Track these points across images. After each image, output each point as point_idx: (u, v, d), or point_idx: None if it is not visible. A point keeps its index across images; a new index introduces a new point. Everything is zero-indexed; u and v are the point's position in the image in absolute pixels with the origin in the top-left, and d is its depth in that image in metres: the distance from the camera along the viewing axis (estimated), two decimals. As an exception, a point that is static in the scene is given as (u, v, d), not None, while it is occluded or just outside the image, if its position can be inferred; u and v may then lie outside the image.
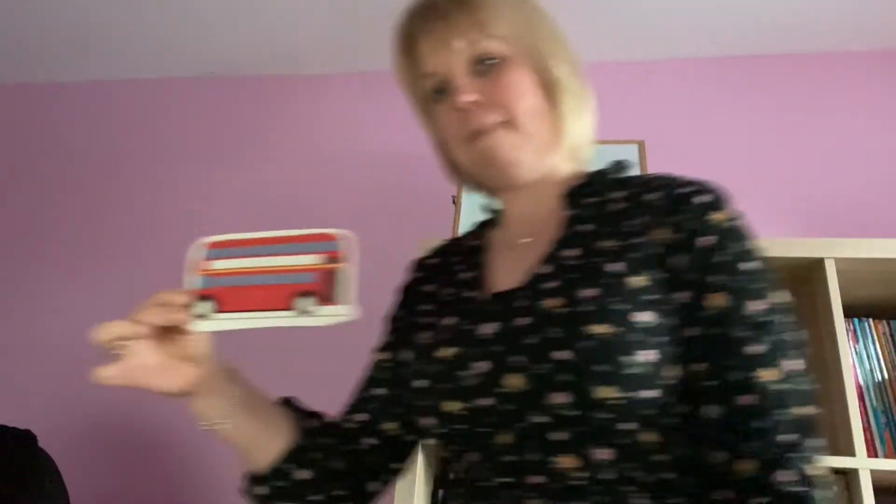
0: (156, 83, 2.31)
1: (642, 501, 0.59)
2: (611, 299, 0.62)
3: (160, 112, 2.27)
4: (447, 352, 0.69)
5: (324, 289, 0.62)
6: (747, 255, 0.66)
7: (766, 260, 0.67)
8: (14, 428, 1.48)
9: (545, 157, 0.77)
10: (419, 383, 0.71)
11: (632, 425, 0.60)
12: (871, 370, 1.35)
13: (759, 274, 0.65)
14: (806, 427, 0.59)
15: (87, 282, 2.05)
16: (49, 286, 2.06)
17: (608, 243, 0.68)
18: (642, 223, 0.68)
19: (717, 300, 0.63)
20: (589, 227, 0.71)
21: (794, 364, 0.61)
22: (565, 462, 0.61)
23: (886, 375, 1.34)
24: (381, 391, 0.84)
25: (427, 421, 0.71)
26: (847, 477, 1.22)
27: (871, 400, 1.32)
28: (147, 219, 2.12)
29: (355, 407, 0.86)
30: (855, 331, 1.38)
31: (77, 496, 1.55)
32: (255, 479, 0.79)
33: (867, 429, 1.29)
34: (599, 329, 0.60)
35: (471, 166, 0.79)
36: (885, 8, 1.86)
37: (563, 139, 0.78)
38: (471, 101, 0.73)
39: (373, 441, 0.82)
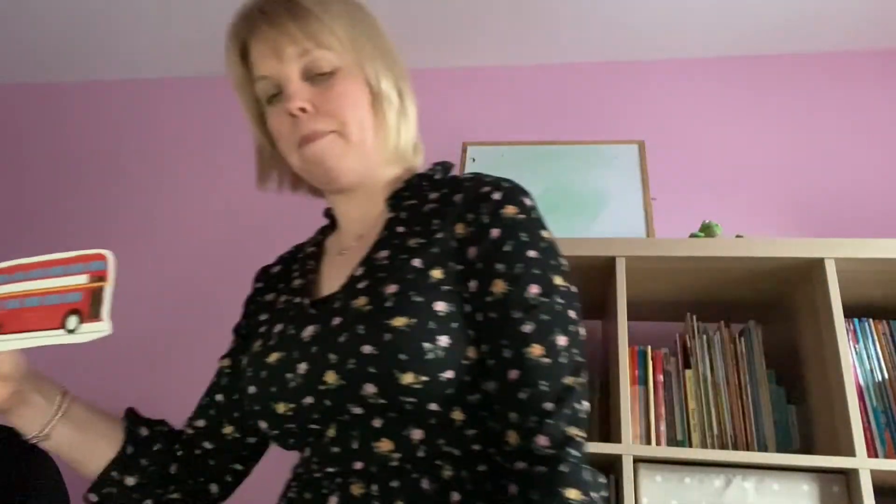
0: (155, 83, 2.31)
1: (454, 472, 0.65)
2: (410, 293, 0.67)
3: (160, 112, 2.27)
4: (273, 357, 0.74)
5: (87, 307, 0.65)
6: (531, 244, 0.71)
7: (555, 249, 0.74)
8: (14, 428, 1.47)
9: (370, 164, 0.80)
10: (252, 389, 0.75)
11: (435, 406, 0.66)
12: (871, 370, 1.35)
13: (541, 261, 0.70)
14: (566, 395, 0.64)
15: (87, 282, 2.05)
16: (49, 286, 2.06)
17: (414, 241, 0.73)
18: (444, 221, 0.73)
19: (499, 286, 0.68)
20: (402, 228, 0.77)
21: (562, 339, 0.66)
22: (382, 446, 0.66)
23: (886, 375, 1.34)
24: (219, 397, 0.90)
25: (262, 423, 0.75)
26: (847, 477, 1.22)
27: (871, 400, 1.32)
28: (147, 219, 2.12)
29: (196, 413, 0.91)
30: (855, 331, 1.38)
31: (77, 496, 1.55)
32: (90, 488, 0.83)
33: (867, 429, 1.28)
34: (398, 322, 0.65)
35: (300, 170, 0.82)
36: (885, 8, 1.86)
37: (388, 147, 0.82)
38: (301, 107, 0.76)
39: (211, 445, 0.87)
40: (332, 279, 0.79)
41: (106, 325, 0.65)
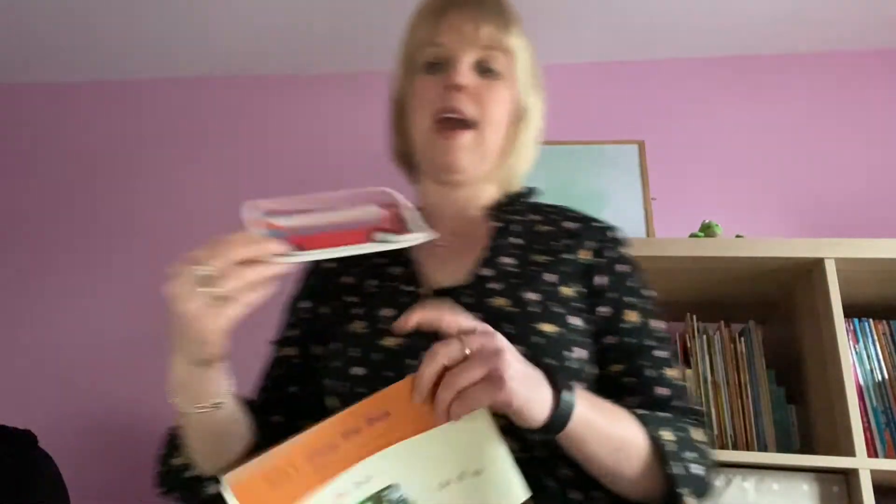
0: (156, 83, 2.31)
1: (567, 471, 0.68)
2: (550, 303, 0.74)
3: (160, 112, 2.27)
4: (390, 341, 0.73)
5: (392, 224, 0.67)
6: (646, 284, 0.83)
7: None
8: (14, 428, 1.48)
9: (485, 170, 0.85)
10: (357, 370, 0.73)
11: None
12: (871, 370, 1.35)
13: (652, 300, 0.83)
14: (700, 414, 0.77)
15: (87, 282, 2.05)
16: (49, 287, 2.06)
17: (541, 258, 0.80)
18: (567, 244, 0.81)
19: (632, 316, 0.79)
20: (519, 240, 0.82)
21: (677, 369, 0.80)
22: (508, 444, 0.65)
23: (886, 375, 1.34)
24: (294, 388, 0.86)
25: None
26: (847, 477, 1.22)
27: (871, 400, 1.32)
28: (147, 219, 2.12)
29: (271, 407, 0.85)
30: (855, 331, 1.38)
31: (77, 496, 1.55)
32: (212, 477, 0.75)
33: (867, 429, 1.29)
34: (547, 328, 0.71)
35: (423, 147, 0.85)
36: (885, 8, 1.86)
37: (511, 162, 0.87)
38: (464, 84, 0.80)
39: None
40: (440, 272, 0.81)
41: (426, 234, 0.67)
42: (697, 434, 0.72)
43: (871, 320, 1.39)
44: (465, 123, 0.81)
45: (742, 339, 1.42)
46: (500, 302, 0.73)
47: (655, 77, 2.04)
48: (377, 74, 2.20)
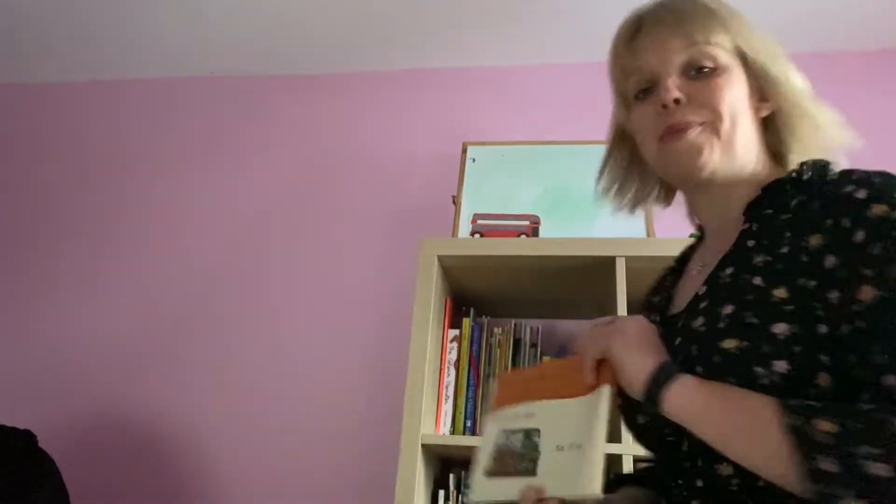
0: (156, 83, 2.31)
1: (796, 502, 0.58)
2: (745, 313, 0.64)
3: (161, 112, 2.27)
4: None
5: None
6: None
7: None
8: (14, 428, 1.48)
9: (734, 164, 0.76)
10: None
11: None
12: (872, 370, 1.35)
13: None
14: None
15: (87, 282, 2.05)
16: (49, 286, 2.06)
17: (760, 258, 0.68)
18: (795, 233, 0.67)
19: (867, 293, 0.59)
20: (752, 241, 0.71)
21: None
22: (723, 469, 0.65)
23: (886, 375, 1.33)
24: None
25: (630, 430, 0.80)
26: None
27: (871, 400, 1.32)
28: (147, 219, 2.12)
29: None
30: (855, 331, 1.38)
31: (77, 496, 1.55)
32: None
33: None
34: (728, 344, 0.63)
35: (657, 164, 0.80)
36: (884, 8, 1.86)
37: (775, 147, 0.79)
38: (675, 98, 0.75)
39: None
40: (683, 296, 0.79)
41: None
42: None
43: (871, 320, 1.39)
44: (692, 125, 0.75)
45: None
46: (697, 323, 0.69)
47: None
48: (378, 74, 2.20)
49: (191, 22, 2.05)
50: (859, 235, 0.61)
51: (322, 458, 1.74)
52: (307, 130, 2.16)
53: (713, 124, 0.74)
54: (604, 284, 1.43)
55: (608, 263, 1.38)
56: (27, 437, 1.47)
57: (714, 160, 0.74)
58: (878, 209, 0.62)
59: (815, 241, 0.64)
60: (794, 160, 0.78)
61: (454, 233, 1.59)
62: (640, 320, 0.71)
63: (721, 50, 0.76)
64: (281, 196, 2.08)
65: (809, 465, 0.54)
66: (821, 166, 0.75)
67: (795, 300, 0.62)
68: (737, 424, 0.60)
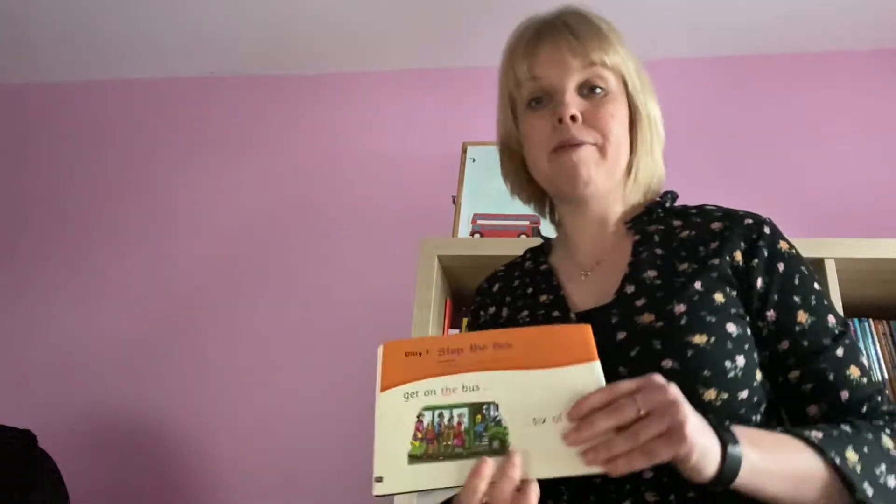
0: (156, 83, 2.31)
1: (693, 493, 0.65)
2: (701, 313, 0.71)
3: (160, 112, 2.27)
4: None
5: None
6: (810, 277, 0.78)
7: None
8: (14, 428, 1.48)
9: (615, 184, 0.84)
10: None
11: (731, 423, 0.65)
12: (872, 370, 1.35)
13: (821, 292, 0.77)
14: (887, 400, 0.72)
15: (87, 282, 2.05)
16: (49, 286, 2.06)
17: (684, 265, 0.77)
18: (715, 248, 0.77)
19: (801, 317, 0.74)
20: (660, 251, 0.79)
21: (864, 359, 0.74)
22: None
23: (886, 375, 1.34)
24: None
25: None
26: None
27: (871, 400, 1.32)
28: (147, 219, 2.12)
29: None
30: (855, 331, 1.38)
31: (77, 496, 1.55)
32: None
33: (867, 429, 1.28)
34: (698, 339, 0.69)
35: (546, 175, 0.85)
36: (884, 8, 1.86)
37: (636, 173, 0.86)
38: (572, 115, 0.80)
39: None
40: (583, 295, 0.82)
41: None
42: (889, 441, 0.67)
43: (871, 320, 1.39)
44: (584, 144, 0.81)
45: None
46: (647, 318, 0.72)
47: (655, 77, 2.03)
48: (377, 74, 2.20)
49: (191, 22, 2.05)
50: (780, 266, 0.76)
51: (322, 458, 1.74)
52: (307, 131, 2.16)
53: (602, 147, 0.81)
54: (604, 284, 1.43)
55: (608, 263, 1.38)
56: (27, 437, 1.47)
57: (599, 178, 0.81)
58: (784, 245, 0.79)
59: (737, 257, 0.76)
60: (634, 182, 0.87)
61: (454, 233, 1.59)
62: (677, 390, 0.61)
63: (611, 74, 0.84)
64: (281, 196, 2.08)
65: (857, 497, 0.61)
66: (675, 196, 0.90)
67: (732, 305, 0.73)
68: (795, 478, 0.62)
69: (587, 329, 0.64)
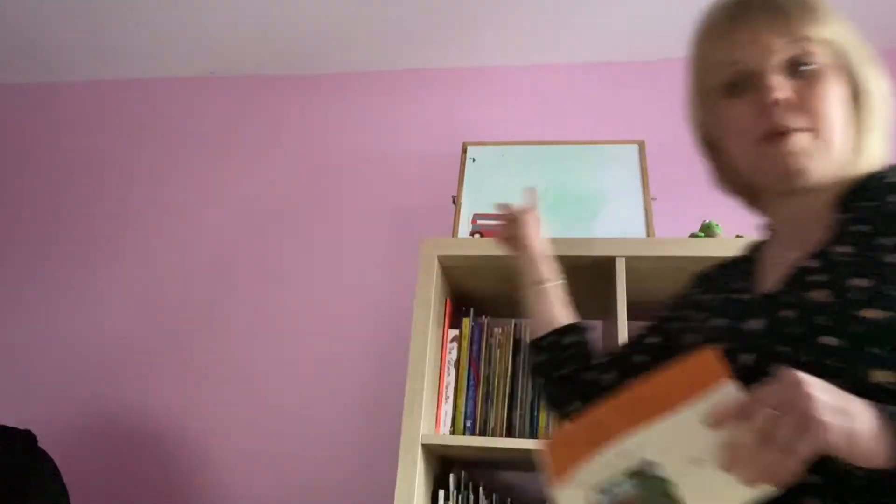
0: (156, 83, 2.31)
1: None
2: (886, 286, 0.61)
3: (161, 112, 2.27)
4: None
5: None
6: None
7: None
8: (14, 428, 1.48)
9: (833, 168, 0.74)
10: None
11: None
12: (872, 370, 1.35)
13: None
14: None
15: (86, 282, 2.05)
16: (49, 287, 2.06)
17: (883, 239, 0.66)
18: None
19: None
20: (864, 227, 0.70)
21: None
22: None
23: None
24: (641, 358, 0.93)
25: None
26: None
27: (871, 400, 1.32)
28: (147, 219, 2.12)
29: (612, 362, 0.96)
30: None
31: (77, 496, 1.55)
32: (541, 335, 1.01)
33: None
34: (872, 314, 0.60)
35: (752, 166, 0.77)
36: (884, 8, 1.86)
37: (859, 154, 0.76)
38: (783, 98, 0.71)
39: (609, 387, 0.91)
40: (773, 278, 0.75)
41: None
42: None
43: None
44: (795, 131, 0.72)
45: (743, 339, 1.42)
46: (818, 294, 0.64)
47: (655, 77, 2.04)
48: (378, 74, 2.20)
49: (191, 22, 2.05)
50: None
51: (322, 458, 1.74)
52: (307, 131, 2.16)
53: (817, 131, 0.72)
54: (604, 284, 1.43)
55: (608, 263, 1.38)
56: (27, 437, 1.47)
57: (817, 167, 0.72)
58: None
59: None
60: (862, 162, 0.77)
61: (454, 233, 1.59)
62: (807, 379, 0.54)
63: (822, 48, 0.73)
64: (281, 196, 2.08)
65: None
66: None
67: None
68: None
69: (710, 354, 0.60)
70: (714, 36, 0.78)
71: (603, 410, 0.65)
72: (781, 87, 0.71)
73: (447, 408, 1.43)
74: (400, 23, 2.01)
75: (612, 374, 0.94)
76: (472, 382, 1.45)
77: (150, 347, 1.94)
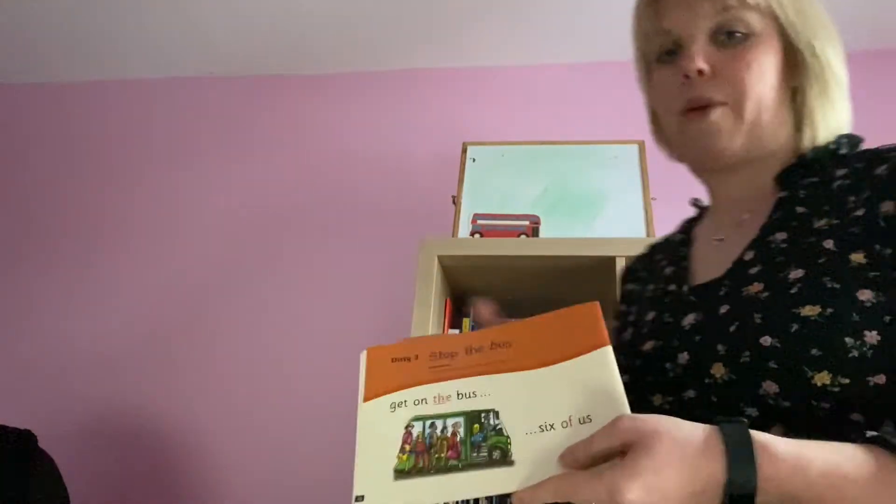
0: (156, 83, 2.31)
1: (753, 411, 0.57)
2: (823, 278, 0.57)
3: (160, 112, 2.27)
4: (648, 345, 0.68)
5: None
6: None
7: None
8: (14, 428, 1.48)
9: (762, 143, 0.70)
10: (623, 378, 0.64)
11: (859, 416, 0.54)
12: (872, 370, 1.35)
13: None
14: None
15: (87, 282, 2.05)
16: (49, 287, 2.06)
17: (822, 222, 0.62)
18: (864, 198, 0.61)
19: None
20: (803, 208, 0.65)
21: None
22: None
23: (886, 375, 1.33)
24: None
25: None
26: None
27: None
28: (146, 220, 2.12)
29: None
30: None
31: (77, 496, 1.55)
32: None
33: (867, 429, 1.28)
34: (808, 311, 0.55)
35: (675, 140, 0.75)
36: (884, 8, 1.86)
37: (811, 126, 0.71)
38: (699, 69, 0.67)
39: None
40: (708, 265, 0.71)
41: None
42: None
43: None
44: (714, 104, 0.68)
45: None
46: (753, 289, 0.60)
47: (655, 77, 2.04)
48: (378, 74, 2.20)
49: (191, 22, 2.05)
50: None
51: (321, 459, 1.74)
52: (307, 131, 2.16)
53: (737, 104, 0.67)
54: (604, 284, 1.43)
55: (608, 263, 1.38)
56: (27, 437, 1.47)
57: (736, 145, 0.69)
58: None
59: (887, 207, 0.59)
60: (808, 134, 0.72)
61: (454, 233, 1.59)
62: (661, 438, 0.47)
63: (755, 14, 0.68)
64: (280, 196, 2.08)
65: None
66: (856, 142, 0.71)
67: (877, 267, 0.57)
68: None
69: (594, 308, 0.56)
70: (649, 3, 0.74)
71: (457, 341, 0.60)
72: (700, 57, 0.68)
73: (447, 408, 1.43)
74: (400, 23, 2.01)
75: None
76: (472, 382, 1.45)
77: (150, 350, 1.94)
